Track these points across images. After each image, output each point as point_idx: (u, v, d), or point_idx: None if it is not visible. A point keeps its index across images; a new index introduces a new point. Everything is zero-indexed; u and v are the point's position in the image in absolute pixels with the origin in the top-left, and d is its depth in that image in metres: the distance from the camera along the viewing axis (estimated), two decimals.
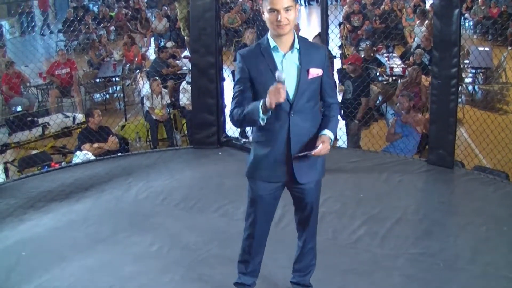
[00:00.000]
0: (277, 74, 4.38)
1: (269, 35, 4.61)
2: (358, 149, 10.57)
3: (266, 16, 4.50)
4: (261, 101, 4.42)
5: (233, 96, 4.70)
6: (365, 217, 7.00)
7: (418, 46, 16.19)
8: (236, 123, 4.77)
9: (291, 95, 4.61)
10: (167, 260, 6.21)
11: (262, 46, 4.64)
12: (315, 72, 4.63)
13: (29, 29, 26.38)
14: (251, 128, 4.72)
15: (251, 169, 4.96)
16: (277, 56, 4.61)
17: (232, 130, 10.92)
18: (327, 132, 4.71)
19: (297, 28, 12.35)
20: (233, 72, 13.25)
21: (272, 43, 4.60)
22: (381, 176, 8.28)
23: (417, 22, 20.21)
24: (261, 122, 4.49)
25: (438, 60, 8.06)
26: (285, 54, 4.61)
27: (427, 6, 22.67)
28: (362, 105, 11.73)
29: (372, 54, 15.82)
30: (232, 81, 12.80)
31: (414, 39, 19.64)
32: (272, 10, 4.42)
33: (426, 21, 19.26)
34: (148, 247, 6.53)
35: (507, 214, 7.03)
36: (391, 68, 15.02)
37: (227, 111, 5.08)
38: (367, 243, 6.43)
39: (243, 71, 4.65)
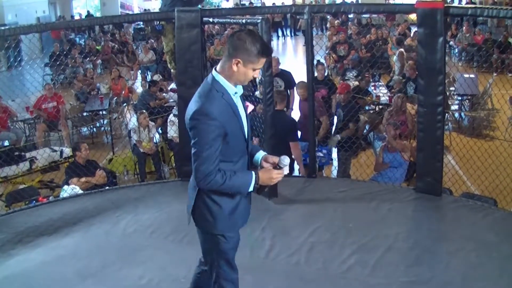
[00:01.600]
0: (282, 159, 4.55)
1: (224, 79, 4.51)
2: (346, 178, 10.57)
3: (243, 70, 4.46)
4: (253, 179, 4.55)
5: (206, 156, 4.38)
6: (355, 246, 6.99)
7: (404, 76, 16.29)
8: (213, 188, 4.52)
9: (246, 135, 4.65)
10: None
11: (222, 94, 4.50)
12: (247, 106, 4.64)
13: (16, 63, 26.37)
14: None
15: (229, 222, 4.79)
16: (235, 99, 4.60)
17: None
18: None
19: (276, 62, 12.39)
20: None
21: (233, 89, 4.55)
22: (370, 205, 8.27)
23: (397, 51, 20.33)
24: (247, 191, 4.62)
25: (424, 88, 8.09)
26: (236, 93, 4.60)
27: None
28: (349, 129, 11.75)
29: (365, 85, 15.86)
30: None
31: (394, 67, 19.81)
32: (256, 69, 4.49)
33: (400, 49, 19.47)
34: (138, 281, 6.50)
35: (497, 240, 7.03)
36: (378, 97, 15.09)
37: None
38: (358, 272, 6.42)
39: (220, 128, 4.39)
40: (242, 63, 4.43)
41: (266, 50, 4.50)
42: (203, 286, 5.24)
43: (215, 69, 4.56)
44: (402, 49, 19.74)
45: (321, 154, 10.91)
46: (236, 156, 4.64)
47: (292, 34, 38.09)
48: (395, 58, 20.06)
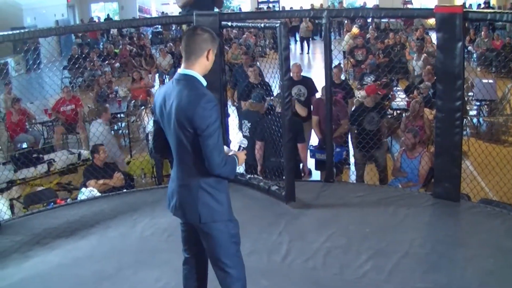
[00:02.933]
0: (242, 141, 4.79)
1: (198, 74, 4.80)
2: (363, 183, 10.54)
3: (212, 58, 4.85)
4: (236, 162, 4.95)
5: (220, 143, 4.71)
6: (372, 251, 6.96)
7: (422, 81, 16.22)
8: (226, 172, 4.79)
9: None
10: None
11: (204, 87, 4.80)
12: None
13: (35, 66, 26.50)
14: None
15: (229, 211, 4.98)
16: None
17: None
18: None
19: (298, 69, 12.38)
20: (237, 108, 13.29)
21: (205, 83, 4.83)
22: (387, 210, 8.24)
23: (415, 56, 20.25)
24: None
25: (442, 93, 8.05)
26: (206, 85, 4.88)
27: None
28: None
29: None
30: (237, 117, 12.85)
31: (414, 72, 19.71)
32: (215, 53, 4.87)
33: (423, 55, 19.36)
34: (154, 284, 6.52)
35: None
36: (390, 99, 15.03)
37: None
38: (374, 278, 6.39)
39: (218, 111, 4.71)
40: (212, 52, 4.82)
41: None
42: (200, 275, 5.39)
43: (184, 69, 4.79)
44: (425, 54, 19.63)
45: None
46: None
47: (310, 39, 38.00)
48: (414, 63, 19.99)
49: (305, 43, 32.86)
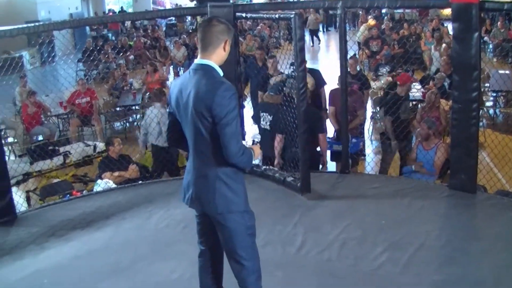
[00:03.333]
0: (256, 135, 4.81)
1: (216, 64, 4.83)
2: (379, 175, 10.50)
3: (228, 49, 4.89)
4: (253, 154, 4.97)
5: (239, 132, 4.74)
6: (387, 243, 6.94)
7: (437, 71, 16.13)
8: (243, 161, 4.79)
9: None
10: None
11: (222, 77, 4.82)
12: None
13: (49, 59, 26.55)
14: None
15: (246, 202, 4.98)
16: None
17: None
18: None
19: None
20: (252, 101, 13.25)
21: (222, 73, 4.85)
22: (403, 202, 8.21)
23: (433, 46, 20.17)
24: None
25: (458, 84, 8.01)
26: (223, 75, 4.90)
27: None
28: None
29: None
30: (252, 108, 12.82)
31: (432, 63, 19.61)
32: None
33: (443, 45, 19.25)
34: (169, 275, 6.53)
35: None
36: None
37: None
38: (389, 270, 6.37)
39: (237, 105, 4.71)
40: (229, 42, 4.86)
41: None
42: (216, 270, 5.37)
43: (201, 59, 4.81)
44: (445, 44, 19.52)
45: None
46: None
47: (325, 30, 37.93)
48: (433, 53, 19.91)
49: (314, 37, 32.26)
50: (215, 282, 5.37)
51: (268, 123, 10.12)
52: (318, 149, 9.89)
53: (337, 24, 9.39)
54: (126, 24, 34.67)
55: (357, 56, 19.57)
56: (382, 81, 16.68)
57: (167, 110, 5.33)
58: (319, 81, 12.08)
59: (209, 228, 5.10)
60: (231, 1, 9.73)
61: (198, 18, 10.12)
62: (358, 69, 14.92)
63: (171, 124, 5.16)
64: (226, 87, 4.60)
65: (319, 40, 32.15)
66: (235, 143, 4.60)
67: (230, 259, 5.03)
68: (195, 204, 4.97)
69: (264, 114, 10.21)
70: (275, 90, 10.37)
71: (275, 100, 10.18)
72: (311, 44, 31.21)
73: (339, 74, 9.30)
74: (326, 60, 23.46)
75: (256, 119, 11.88)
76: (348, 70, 10.49)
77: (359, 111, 11.49)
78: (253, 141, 5.20)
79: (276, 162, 9.79)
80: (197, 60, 4.82)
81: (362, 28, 25.88)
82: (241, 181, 4.91)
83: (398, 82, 11.96)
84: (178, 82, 4.94)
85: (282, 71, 11.43)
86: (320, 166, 10.12)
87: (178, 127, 5.00)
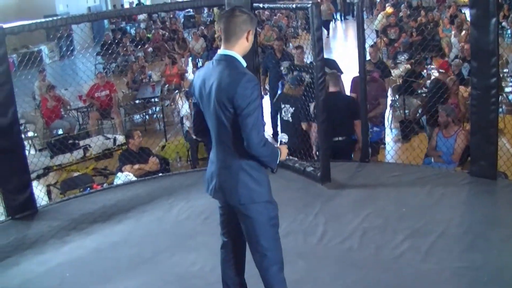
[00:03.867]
0: (282, 136, 5.11)
1: (239, 55, 4.79)
2: (399, 163, 10.47)
3: (251, 39, 4.83)
4: (279, 153, 4.92)
5: (260, 122, 4.71)
6: (408, 231, 6.92)
7: (456, 57, 16.05)
8: (264, 152, 4.73)
9: None
10: (210, 280, 6.18)
11: (244, 67, 4.80)
12: None
13: (68, 53, 26.65)
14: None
15: (269, 193, 4.95)
16: None
17: None
18: None
19: None
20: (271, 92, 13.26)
21: (245, 63, 4.83)
22: (423, 189, 8.19)
23: (454, 32, 20.07)
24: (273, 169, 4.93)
25: (477, 71, 7.97)
26: (245, 66, 4.88)
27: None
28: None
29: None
30: (271, 99, 12.82)
31: (451, 50, 19.52)
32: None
33: (463, 32, 19.15)
34: (190, 267, 6.55)
35: None
36: (429, 76, 14.91)
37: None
38: (410, 258, 6.36)
39: (260, 96, 4.71)
40: (252, 33, 4.82)
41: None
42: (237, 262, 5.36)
43: (225, 49, 4.78)
44: (465, 31, 19.43)
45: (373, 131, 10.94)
46: None
47: (342, 19, 37.82)
48: (453, 39, 19.81)
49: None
50: (237, 274, 5.36)
51: (290, 115, 10.12)
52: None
53: (355, 12, 9.34)
54: (144, 17, 34.72)
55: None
56: (401, 69, 16.63)
57: (192, 101, 5.34)
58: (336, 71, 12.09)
59: (232, 219, 5.09)
60: None
61: (215, 9, 10.12)
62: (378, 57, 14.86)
63: (196, 115, 5.15)
64: (248, 78, 4.58)
65: (328, 33, 31.72)
66: (256, 133, 4.58)
67: (253, 250, 5.02)
68: (218, 194, 4.96)
69: (286, 105, 10.19)
70: (295, 81, 10.36)
71: (296, 92, 10.18)
72: (327, 35, 31.01)
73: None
74: (344, 49, 23.34)
75: (275, 110, 11.88)
76: (368, 58, 10.46)
77: (381, 99, 11.46)
78: (281, 141, 5.13)
79: (314, 150, 9.80)
80: (220, 51, 4.80)
81: (379, 16, 25.77)
82: (264, 171, 4.89)
83: (440, 70, 11.99)
84: (201, 73, 4.93)
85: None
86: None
87: (202, 118, 4.99)
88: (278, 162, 4.87)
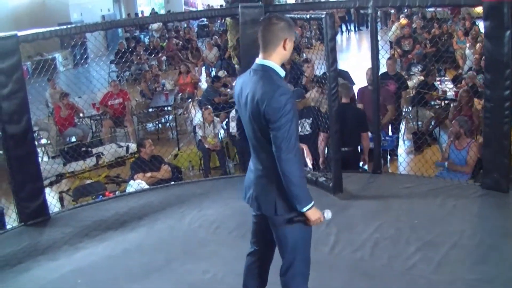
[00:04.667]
0: (326, 212, 4.85)
1: (275, 64, 4.70)
2: (411, 174, 10.46)
3: (290, 47, 4.72)
4: (310, 205, 4.68)
5: (293, 131, 4.52)
6: (420, 242, 6.91)
7: (470, 69, 16.04)
8: (294, 162, 4.54)
9: None
10: None
11: (280, 78, 4.71)
12: None
13: (82, 60, 26.75)
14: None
15: None
16: None
17: None
18: None
19: None
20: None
21: (283, 73, 4.76)
22: (436, 201, 8.17)
23: (468, 44, 20.05)
24: (301, 208, 4.67)
25: (490, 83, 7.96)
26: (283, 76, 4.80)
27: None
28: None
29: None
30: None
31: (465, 62, 19.50)
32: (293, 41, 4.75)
33: (478, 44, 19.12)
34: (202, 276, 6.56)
35: None
36: (443, 92, 14.88)
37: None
38: (422, 269, 6.35)
39: (294, 106, 4.57)
40: (290, 40, 4.70)
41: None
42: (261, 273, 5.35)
43: (262, 59, 4.71)
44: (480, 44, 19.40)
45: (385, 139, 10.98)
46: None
47: (356, 29, 37.82)
48: (467, 51, 19.78)
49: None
50: (260, 284, 5.39)
51: (308, 127, 10.12)
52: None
53: (369, 23, 9.34)
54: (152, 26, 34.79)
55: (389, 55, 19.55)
56: (414, 81, 16.61)
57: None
58: (348, 82, 12.11)
59: (264, 229, 5.08)
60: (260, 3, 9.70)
61: (228, 19, 10.16)
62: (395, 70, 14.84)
63: (238, 121, 5.14)
64: (282, 91, 4.50)
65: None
66: (285, 147, 4.47)
67: (283, 258, 5.02)
68: (254, 204, 4.95)
69: (301, 120, 10.17)
70: (297, 95, 10.37)
71: (301, 104, 10.19)
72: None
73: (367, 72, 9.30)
74: (356, 59, 23.31)
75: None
76: (385, 71, 10.45)
77: (389, 106, 11.46)
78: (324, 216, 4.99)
79: (321, 160, 9.79)
80: (258, 60, 4.75)
81: (393, 27, 25.76)
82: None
83: None
84: (240, 81, 4.92)
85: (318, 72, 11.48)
86: (361, 163, 10.12)
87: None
88: (304, 210, 4.66)
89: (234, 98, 5.00)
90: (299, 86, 11.92)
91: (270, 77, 4.61)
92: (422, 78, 15.89)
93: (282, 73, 4.71)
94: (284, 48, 4.69)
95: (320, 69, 10.06)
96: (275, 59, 4.68)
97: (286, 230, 4.82)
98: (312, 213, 4.69)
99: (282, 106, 4.43)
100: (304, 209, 4.64)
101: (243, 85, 4.78)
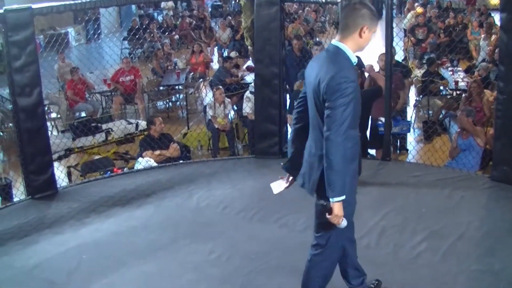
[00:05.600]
0: (345, 223, 4.75)
1: (348, 49, 4.67)
2: (420, 163, 10.45)
3: (367, 36, 4.68)
4: (342, 196, 4.60)
5: (348, 114, 4.48)
6: (427, 232, 6.89)
7: (483, 60, 15.95)
8: (345, 144, 4.51)
9: None
10: (226, 269, 6.23)
11: (350, 62, 4.69)
12: None
13: (95, 36, 26.70)
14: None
15: (352, 187, 4.93)
16: None
17: None
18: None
19: None
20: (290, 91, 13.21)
21: (354, 59, 4.73)
22: (444, 191, 8.14)
23: (483, 36, 19.95)
24: (331, 196, 4.61)
25: (504, 75, 7.91)
26: (355, 62, 4.77)
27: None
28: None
29: (436, 68, 15.51)
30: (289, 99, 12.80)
31: (479, 53, 19.40)
32: (373, 32, 4.71)
33: (493, 36, 19.02)
34: (208, 256, 6.56)
35: None
36: (456, 82, 14.81)
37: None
38: (428, 259, 6.34)
39: (355, 91, 4.54)
40: (368, 29, 4.67)
41: (378, 14, 4.83)
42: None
43: (337, 41, 4.72)
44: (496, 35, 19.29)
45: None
46: (357, 125, 4.72)
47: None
48: (481, 42, 19.67)
49: None
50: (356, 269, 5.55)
51: None
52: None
53: (384, 10, 9.29)
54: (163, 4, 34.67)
55: (402, 43, 19.52)
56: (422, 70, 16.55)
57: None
58: (359, 66, 12.07)
59: None
60: None
61: (242, 0, 10.11)
62: (401, 58, 14.77)
63: (302, 99, 5.11)
64: (345, 73, 4.50)
65: None
66: (335, 129, 4.45)
67: (314, 239, 5.10)
68: (300, 181, 5.01)
69: None
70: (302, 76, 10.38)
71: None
72: None
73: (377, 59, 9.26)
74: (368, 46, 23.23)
75: (291, 110, 11.88)
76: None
77: (401, 92, 11.46)
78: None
79: None
80: (333, 41, 4.76)
81: (409, 15, 25.63)
82: (351, 171, 4.73)
83: None
84: (314, 59, 5.01)
85: None
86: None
87: (306, 103, 4.98)
88: (333, 199, 4.62)
89: (305, 75, 5.01)
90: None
91: (338, 59, 4.63)
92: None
93: (353, 58, 4.70)
94: (360, 35, 4.66)
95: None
96: (349, 44, 4.67)
97: (324, 213, 4.81)
98: (338, 207, 4.63)
99: (341, 87, 4.43)
100: (333, 199, 4.60)
101: (314, 64, 4.81)
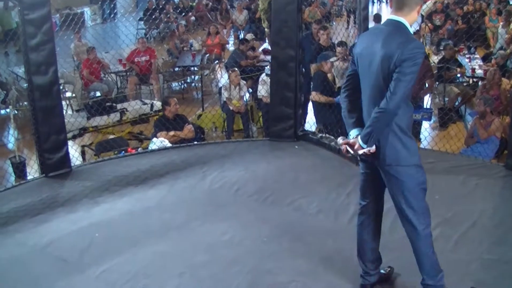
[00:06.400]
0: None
1: (409, 26, 4.81)
2: (435, 150, 10.42)
3: (418, 15, 4.90)
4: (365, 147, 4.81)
5: (408, 88, 4.65)
6: (439, 219, 6.84)
7: (501, 48, 15.86)
8: (396, 112, 4.68)
9: None
10: (238, 251, 6.23)
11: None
12: None
13: (111, 16, 26.71)
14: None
15: (418, 157, 5.01)
16: None
17: (309, 125, 10.92)
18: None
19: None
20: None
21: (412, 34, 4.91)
22: (458, 178, 8.12)
23: (501, 23, 19.83)
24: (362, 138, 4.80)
25: None
26: None
27: None
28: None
29: (453, 55, 15.45)
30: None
31: (497, 41, 19.28)
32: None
33: None
34: (220, 237, 6.56)
35: None
36: (473, 70, 14.74)
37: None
38: (440, 246, 6.28)
39: (419, 66, 4.70)
40: (420, 9, 4.94)
41: None
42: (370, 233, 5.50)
43: (396, 15, 4.84)
44: None
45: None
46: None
47: (387, 0, 37.47)
48: (500, 30, 19.55)
49: None
50: (374, 239, 5.54)
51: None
52: None
53: None
54: None
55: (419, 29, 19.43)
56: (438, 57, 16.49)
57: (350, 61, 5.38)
58: None
59: (375, 182, 5.23)
60: None
61: None
62: None
63: (352, 75, 5.16)
64: (417, 44, 4.67)
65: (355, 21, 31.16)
66: (400, 93, 4.59)
67: (402, 217, 5.22)
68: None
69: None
70: (324, 57, 10.36)
71: (323, 67, 10.18)
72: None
73: None
74: None
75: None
76: None
77: (428, 80, 11.46)
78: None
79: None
80: (391, 17, 4.87)
81: (429, 2, 25.47)
82: (411, 136, 4.93)
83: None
84: (367, 34, 5.16)
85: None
86: None
87: (356, 79, 5.05)
88: (361, 140, 4.82)
89: (354, 51, 5.09)
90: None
91: (405, 31, 4.77)
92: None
93: (412, 33, 4.91)
94: (418, 12, 4.88)
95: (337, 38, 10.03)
96: (408, 19, 4.83)
97: (403, 182, 4.97)
98: (358, 146, 4.86)
99: (415, 57, 4.57)
100: (361, 140, 4.81)
101: (372, 37, 4.90)
